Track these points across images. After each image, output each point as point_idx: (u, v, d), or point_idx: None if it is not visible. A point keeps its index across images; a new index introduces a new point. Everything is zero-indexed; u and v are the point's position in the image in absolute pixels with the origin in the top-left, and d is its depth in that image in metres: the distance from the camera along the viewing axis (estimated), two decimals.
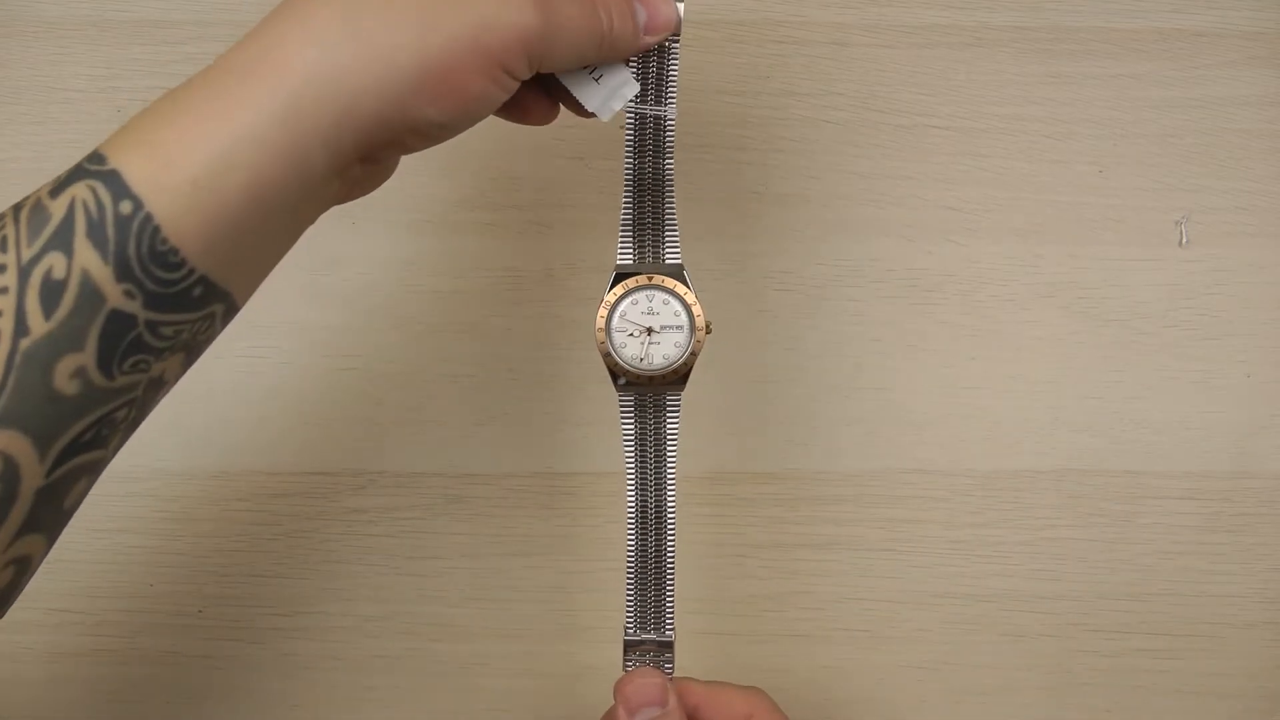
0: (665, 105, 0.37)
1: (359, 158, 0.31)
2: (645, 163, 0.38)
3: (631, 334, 0.38)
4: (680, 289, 0.38)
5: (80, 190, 0.27)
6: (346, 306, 0.51)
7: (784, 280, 0.52)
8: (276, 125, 0.28)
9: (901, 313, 0.52)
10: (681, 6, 0.37)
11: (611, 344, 0.38)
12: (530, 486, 0.51)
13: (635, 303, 0.38)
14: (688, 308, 0.38)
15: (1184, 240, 0.53)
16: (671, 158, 0.38)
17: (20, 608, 0.49)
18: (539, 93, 0.37)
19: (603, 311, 0.38)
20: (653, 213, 0.38)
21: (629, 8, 0.35)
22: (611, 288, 0.38)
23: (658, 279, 0.38)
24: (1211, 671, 0.50)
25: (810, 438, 0.51)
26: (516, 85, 0.33)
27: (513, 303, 0.52)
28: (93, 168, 0.28)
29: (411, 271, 0.52)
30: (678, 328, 0.38)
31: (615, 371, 0.38)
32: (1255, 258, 0.53)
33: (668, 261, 0.38)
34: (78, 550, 0.49)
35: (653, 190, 0.38)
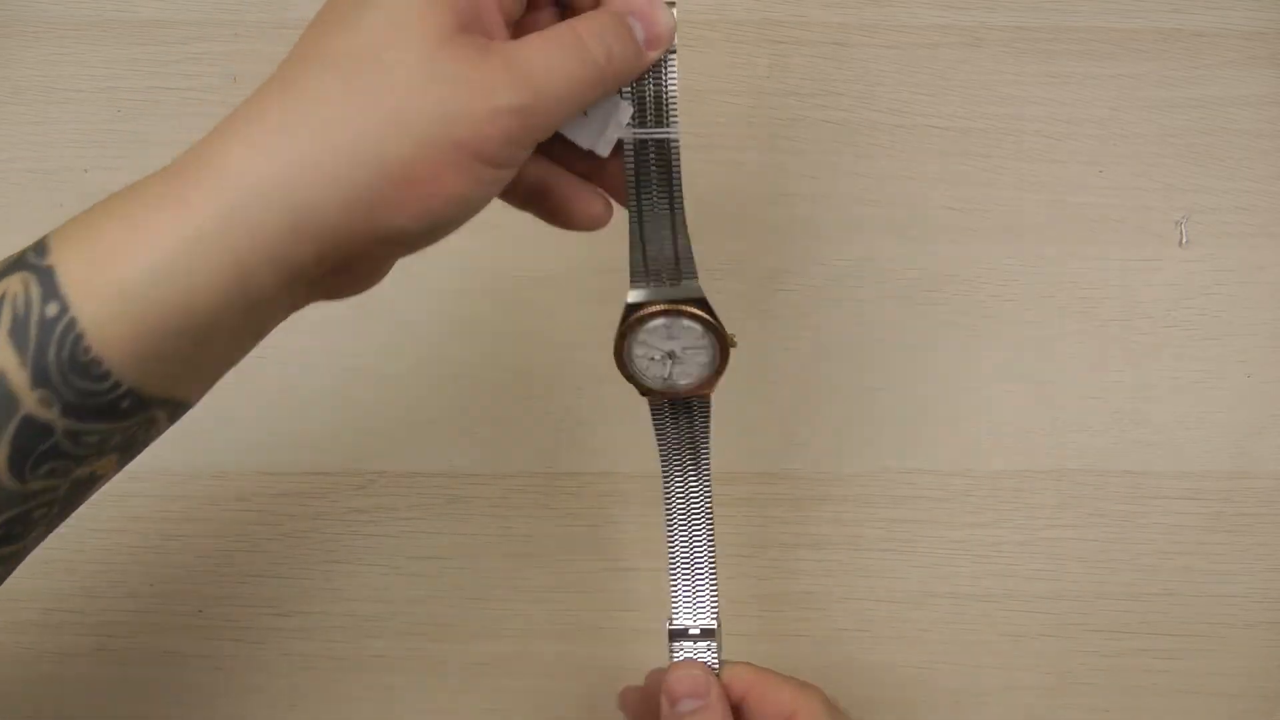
0: (669, 125, 0.33)
1: (326, 271, 0.28)
2: (652, 194, 0.33)
3: (653, 358, 0.35)
4: (703, 314, 0.34)
5: (14, 283, 0.25)
6: (346, 306, 0.51)
7: (784, 280, 0.52)
8: (214, 239, 0.25)
9: (901, 313, 0.52)
10: (674, 9, 0.32)
11: (634, 368, 0.35)
12: (530, 486, 0.51)
13: (653, 330, 0.35)
14: (712, 328, 0.35)
15: (1184, 240, 0.53)
16: (680, 181, 0.33)
17: (20, 608, 0.49)
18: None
19: (618, 341, 0.35)
20: (669, 245, 0.34)
21: (622, 26, 0.30)
22: (625, 320, 0.34)
23: (676, 307, 0.34)
24: (1211, 671, 0.50)
25: (810, 438, 0.51)
26: (509, 174, 0.29)
27: (513, 303, 0.52)
28: (33, 260, 0.26)
29: (412, 271, 0.52)
30: (701, 348, 0.35)
31: (642, 390, 0.36)
32: (1255, 258, 0.53)
33: (688, 296, 0.34)
34: (77, 550, 0.49)
35: (664, 221, 0.33)
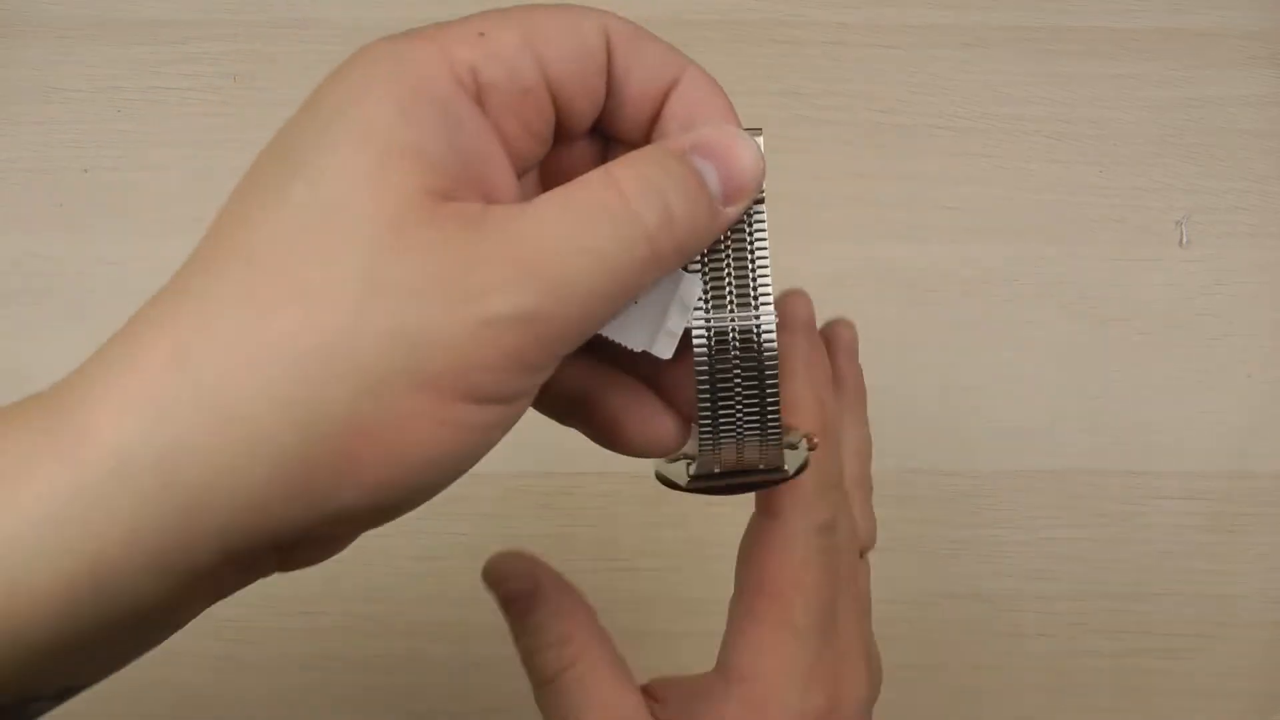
0: (758, 308, 0.24)
1: (252, 561, 0.20)
2: (735, 403, 0.24)
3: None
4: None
5: None
6: None
7: (784, 280, 0.52)
8: (70, 525, 0.18)
9: (901, 313, 0.52)
10: (761, 140, 0.23)
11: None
12: (530, 486, 0.51)
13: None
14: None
15: (1184, 240, 0.53)
16: (774, 384, 0.24)
17: None
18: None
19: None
20: (754, 455, 0.25)
21: (686, 172, 0.21)
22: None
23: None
24: (1211, 671, 0.50)
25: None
26: (519, 408, 0.21)
27: None
28: None
29: None
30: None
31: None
32: (1255, 258, 0.53)
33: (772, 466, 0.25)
34: None
35: (753, 439, 0.25)
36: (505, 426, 0.21)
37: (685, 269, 0.23)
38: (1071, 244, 0.53)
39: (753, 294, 0.24)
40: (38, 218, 0.52)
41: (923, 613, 0.50)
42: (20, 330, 0.51)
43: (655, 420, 0.25)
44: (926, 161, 0.53)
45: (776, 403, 0.24)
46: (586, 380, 0.25)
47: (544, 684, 0.30)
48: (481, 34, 0.21)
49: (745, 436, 0.24)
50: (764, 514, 0.28)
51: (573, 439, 0.52)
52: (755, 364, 0.24)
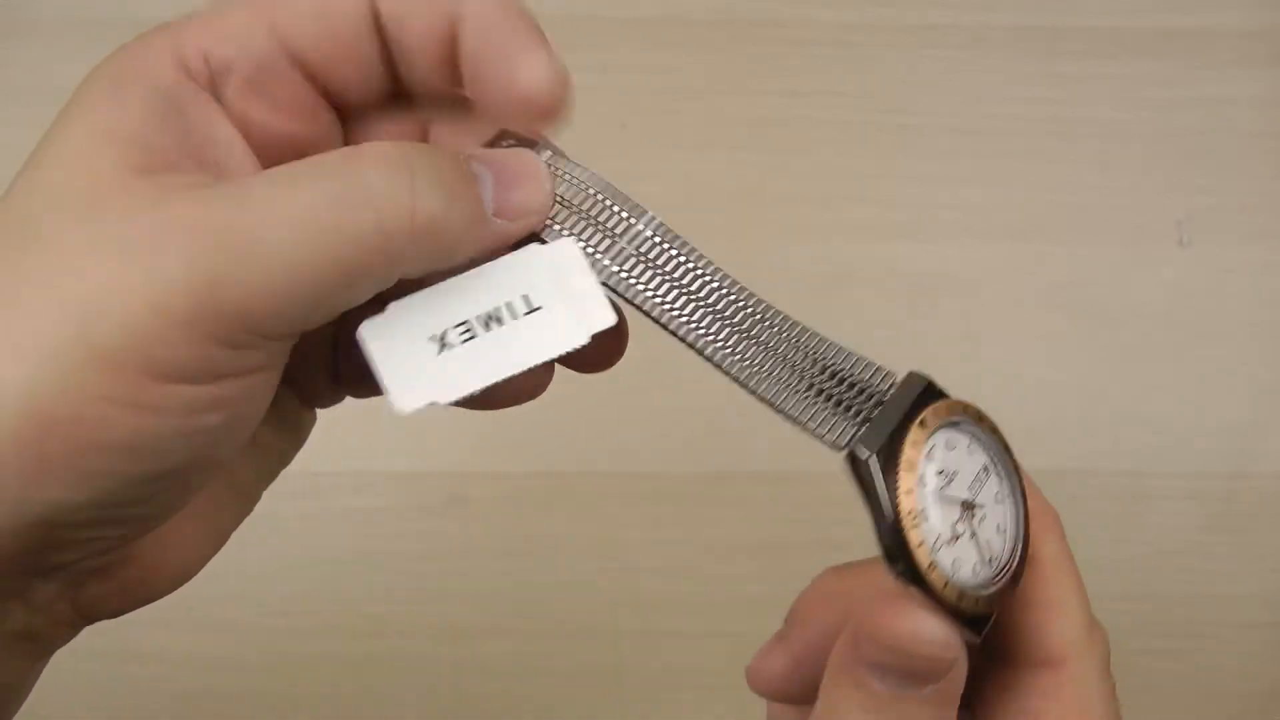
0: (641, 217, 0.22)
1: (29, 603, 0.20)
2: (713, 329, 0.23)
3: (954, 528, 0.21)
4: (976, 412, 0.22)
5: None
6: None
7: (784, 279, 0.52)
8: None
9: (901, 313, 0.52)
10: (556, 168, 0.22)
11: (940, 566, 0.20)
12: (530, 486, 0.51)
13: (925, 467, 0.21)
14: (987, 430, 0.22)
15: (1184, 240, 0.53)
16: (722, 276, 0.23)
17: None
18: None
19: (908, 500, 0.20)
20: (801, 356, 0.23)
21: (453, 168, 0.19)
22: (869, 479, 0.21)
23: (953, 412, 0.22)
24: (1211, 671, 0.50)
25: (811, 438, 0.51)
26: (225, 393, 0.18)
27: None
28: None
29: None
30: (1002, 480, 0.23)
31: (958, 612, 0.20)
32: (1255, 258, 0.53)
33: (889, 377, 0.23)
34: None
35: (773, 334, 0.23)
36: (219, 410, 0.18)
37: (542, 239, 0.21)
38: (1071, 244, 0.53)
39: (627, 218, 0.21)
40: None
41: None
42: None
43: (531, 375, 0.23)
44: (926, 161, 0.53)
45: (734, 286, 0.23)
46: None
47: None
48: (219, 15, 0.20)
49: (755, 338, 0.22)
50: (1034, 664, 0.24)
51: (573, 439, 0.52)
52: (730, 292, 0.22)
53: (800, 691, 0.26)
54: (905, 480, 0.20)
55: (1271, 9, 0.54)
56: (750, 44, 0.54)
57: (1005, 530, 0.22)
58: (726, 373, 0.22)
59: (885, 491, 0.20)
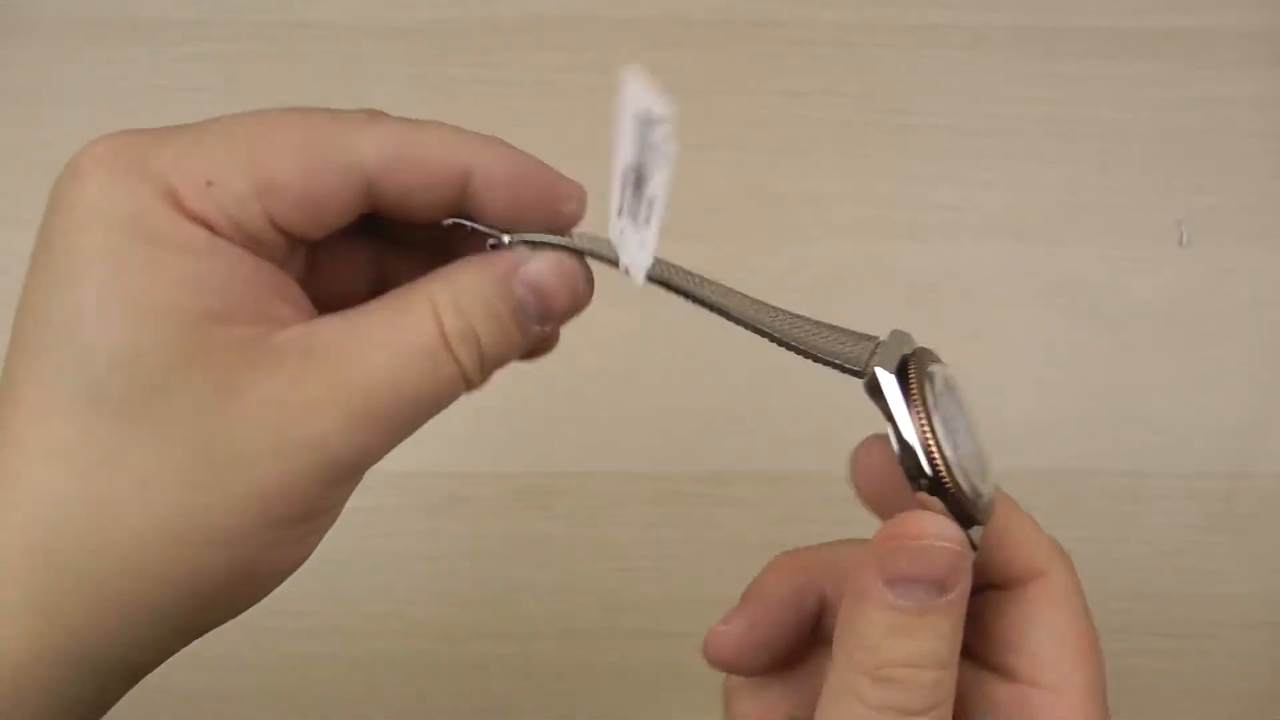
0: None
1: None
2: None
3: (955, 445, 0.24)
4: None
5: None
6: None
7: (784, 280, 0.52)
8: None
9: (901, 313, 0.52)
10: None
11: (959, 477, 0.24)
12: (530, 486, 0.51)
13: (928, 393, 0.24)
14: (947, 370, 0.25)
15: (1184, 240, 0.53)
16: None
17: None
18: None
19: (927, 419, 0.24)
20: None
21: (509, 313, 0.23)
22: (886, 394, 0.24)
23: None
24: (1211, 671, 0.50)
25: (810, 438, 0.51)
26: (339, 512, 0.24)
27: None
28: None
29: None
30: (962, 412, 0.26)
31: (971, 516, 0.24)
32: (1255, 258, 0.53)
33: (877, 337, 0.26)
34: None
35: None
36: (321, 532, 0.23)
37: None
38: (1071, 244, 0.53)
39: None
40: (38, 218, 0.52)
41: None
42: None
43: None
44: (926, 161, 0.53)
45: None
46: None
47: None
48: (209, 183, 0.21)
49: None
50: (1021, 581, 0.26)
51: (572, 439, 0.52)
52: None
53: (756, 660, 0.28)
54: (919, 401, 0.23)
55: (1271, 9, 0.54)
56: (750, 44, 0.54)
57: (977, 454, 0.25)
58: (748, 323, 0.26)
59: (909, 408, 0.23)
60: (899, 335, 0.26)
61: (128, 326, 0.20)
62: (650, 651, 0.49)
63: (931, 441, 0.23)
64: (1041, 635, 0.25)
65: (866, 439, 0.27)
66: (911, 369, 0.24)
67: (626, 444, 0.51)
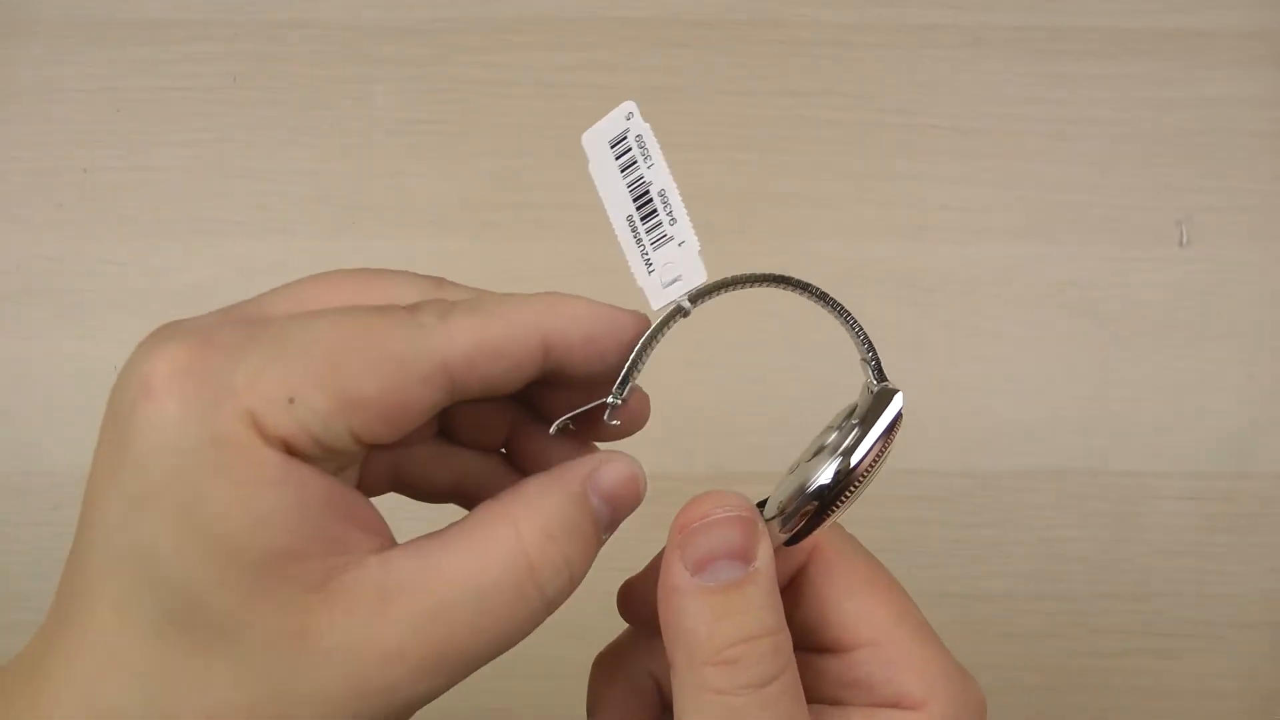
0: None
1: None
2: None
3: None
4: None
5: None
6: None
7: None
8: None
9: (901, 313, 0.52)
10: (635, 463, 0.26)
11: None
12: None
13: None
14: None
15: (1184, 240, 0.53)
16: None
17: (19, 609, 0.49)
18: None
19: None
20: None
21: (589, 528, 0.24)
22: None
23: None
24: (1211, 671, 0.50)
25: (810, 438, 0.51)
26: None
27: None
28: None
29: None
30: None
31: None
32: (1255, 258, 0.53)
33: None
34: None
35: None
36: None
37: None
38: (1071, 244, 0.53)
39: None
40: (38, 218, 0.52)
41: (923, 613, 0.50)
42: (20, 330, 0.51)
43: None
44: (926, 161, 0.53)
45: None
46: (466, 473, 0.28)
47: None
48: (291, 400, 0.21)
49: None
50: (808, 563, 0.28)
51: None
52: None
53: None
54: (888, 439, 0.25)
55: (1271, 9, 0.54)
56: (750, 44, 0.54)
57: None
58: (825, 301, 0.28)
59: (883, 437, 0.25)
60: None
61: (201, 563, 0.20)
62: None
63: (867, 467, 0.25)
64: (843, 603, 0.26)
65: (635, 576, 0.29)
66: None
67: (626, 444, 0.51)
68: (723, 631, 0.23)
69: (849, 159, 0.53)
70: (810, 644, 0.27)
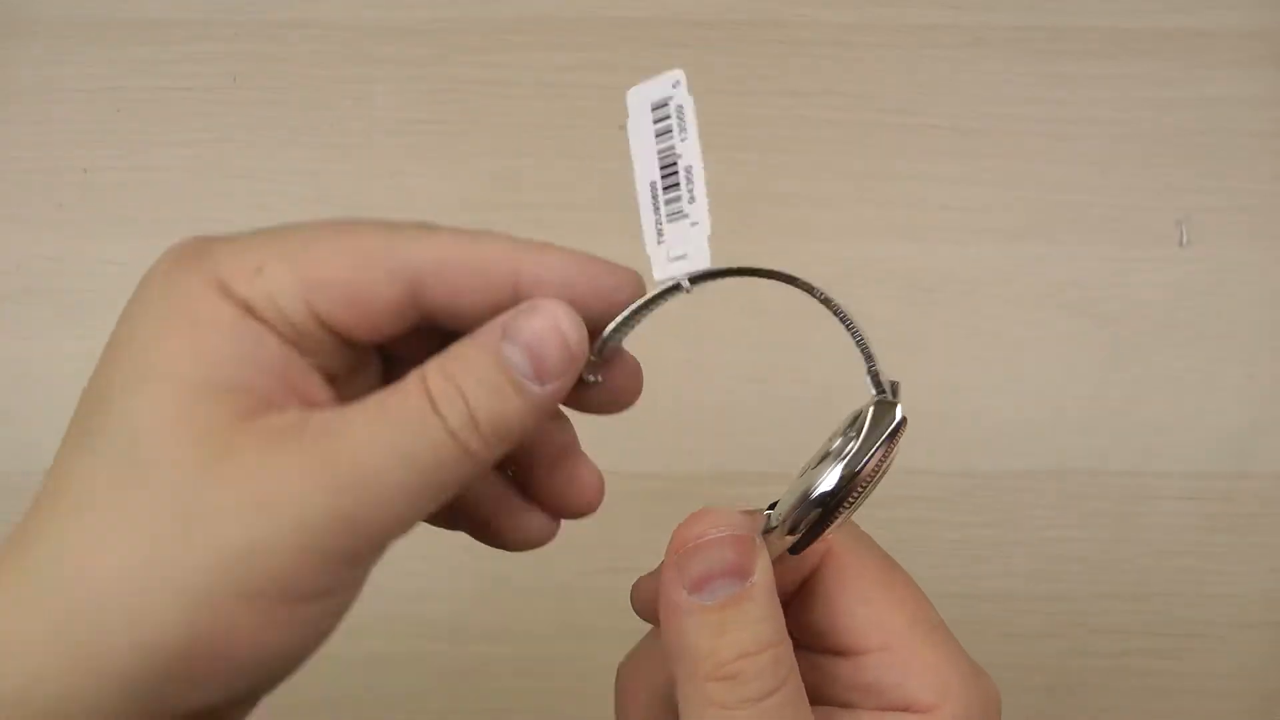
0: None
1: None
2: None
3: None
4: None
5: None
6: None
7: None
8: None
9: (901, 313, 0.52)
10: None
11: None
12: None
13: None
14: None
15: (1184, 240, 0.53)
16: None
17: None
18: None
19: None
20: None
21: (493, 371, 0.22)
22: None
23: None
24: (1211, 671, 0.50)
25: (810, 438, 0.51)
26: (349, 597, 0.24)
27: None
28: None
29: None
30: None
31: None
32: (1255, 258, 0.53)
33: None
34: None
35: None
36: (340, 612, 0.23)
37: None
38: (1071, 244, 0.53)
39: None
40: (38, 218, 0.52)
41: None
42: (20, 330, 0.51)
43: (525, 518, 0.28)
44: (926, 161, 0.53)
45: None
46: (465, 495, 0.26)
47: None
48: (258, 270, 0.22)
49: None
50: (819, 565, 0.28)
51: None
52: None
53: None
54: (889, 449, 0.25)
55: (1271, 9, 0.54)
56: (750, 44, 0.54)
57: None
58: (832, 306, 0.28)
59: (886, 445, 0.25)
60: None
61: (134, 391, 0.21)
62: None
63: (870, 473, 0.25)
64: (855, 608, 0.26)
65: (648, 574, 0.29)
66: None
67: (627, 444, 0.51)
68: (722, 647, 0.23)
69: (849, 159, 0.53)
70: (822, 646, 0.27)
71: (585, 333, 0.23)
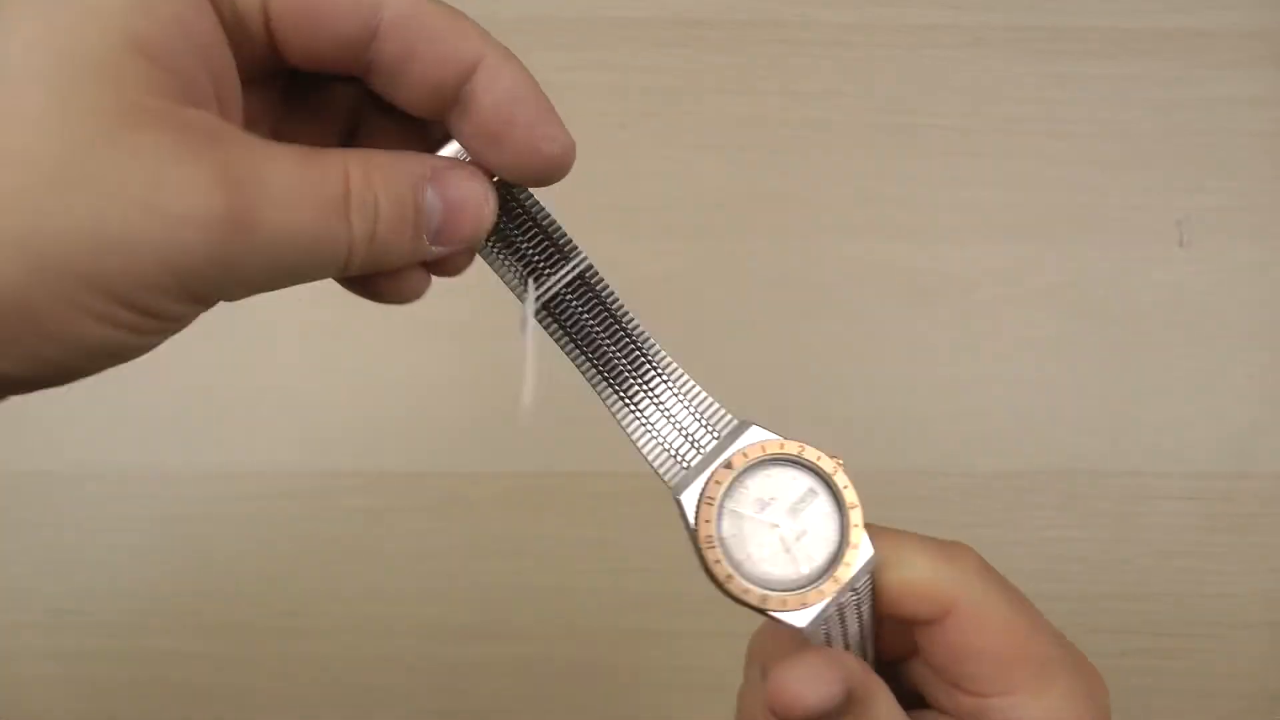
0: (570, 256, 0.26)
1: None
2: (603, 338, 0.28)
3: (769, 543, 0.26)
4: (791, 447, 0.27)
5: None
6: (346, 306, 0.51)
7: (784, 279, 0.52)
8: None
9: (901, 313, 0.52)
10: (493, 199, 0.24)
11: (740, 577, 0.26)
12: (530, 486, 0.51)
13: (738, 492, 0.26)
14: (808, 464, 0.27)
15: (1184, 240, 0.53)
16: (624, 313, 0.27)
17: (20, 608, 0.49)
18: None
19: (705, 529, 0.26)
20: (683, 411, 0.27)
21: (410, 208, 0.22)
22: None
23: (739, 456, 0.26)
24: (1211, 671, 0.50)
25: (810, 438, 0.51)
26: (176, 328, 0.21)
27: (513, 302, 0.52)
28: None
29: None
30: (812, 492, 0.27)
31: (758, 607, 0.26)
32: (1255, 258, 0.53)
33: (732, 425, 0.27)
34: (77, 550, 0.49)
35: (665, 384, 0.27)
36: (162, 336, 0.21)
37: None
38: (1071, 244, 0.53)
39: (559, 248, 0.26)
40: None
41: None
42: None
43: (412, 279, 0.26)
44: (926, 161, 0.53)
45: (636, 330, 0.27)
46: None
47: None
48: None
49: (647, 377, 0.28)
50: (938, 619, 0.30)
51: (571, 439, 0.52)
52: (597, 300, 0.27)
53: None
54: (705, 513, 0.26)
55: (1271, 9, 0.54)
56: (750, 44, 0.54)
57: (829, 539, 0.27)
58: (611, 411, 0.29)
59: (690, 524, 0.26)
60: (736, 430, 0.27)
61: (50, 62, 0.19)
62: (650, 651, 0.49)
63: (707, 558, 0.26)
64: (973, 660, 0.28)
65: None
66: (711, 480, 0.26)
67: (626, 444, 0.51)
68: None
69: (849, 159, 0.53)
70: (947, 680, 0.29)
71: (495, 214, 0.23)
